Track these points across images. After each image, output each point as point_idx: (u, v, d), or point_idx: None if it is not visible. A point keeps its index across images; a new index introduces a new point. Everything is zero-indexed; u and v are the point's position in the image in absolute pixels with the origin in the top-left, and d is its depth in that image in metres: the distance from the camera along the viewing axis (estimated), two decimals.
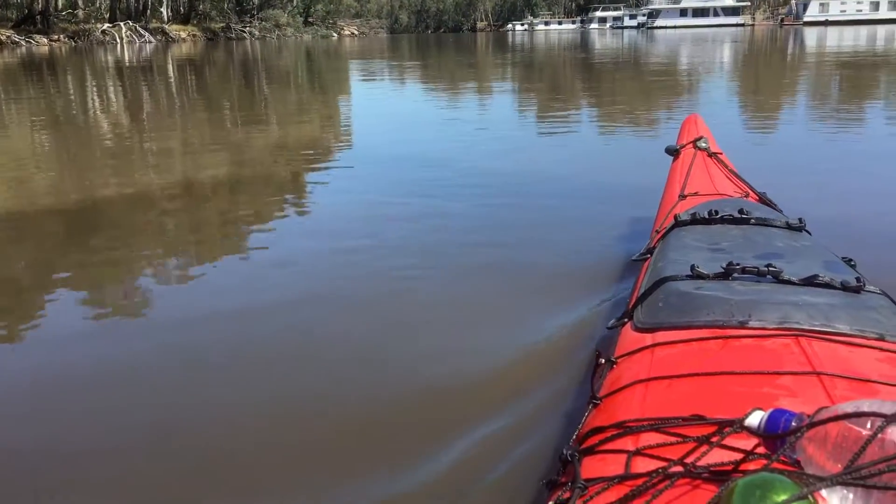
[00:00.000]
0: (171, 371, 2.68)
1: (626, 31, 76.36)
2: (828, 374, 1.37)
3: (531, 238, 4.22)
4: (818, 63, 20.76)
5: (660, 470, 1.13)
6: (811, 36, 44.63)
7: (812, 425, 1.05)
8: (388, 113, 11.45)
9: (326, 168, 6.84)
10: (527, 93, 14.51)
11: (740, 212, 2.38)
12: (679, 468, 1.13)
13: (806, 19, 70.83)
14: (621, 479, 1.16)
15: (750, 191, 2.94)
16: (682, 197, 2.84)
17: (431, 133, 8.91)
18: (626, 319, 1.93)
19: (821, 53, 25.97)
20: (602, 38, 55.39)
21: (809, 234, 2.37)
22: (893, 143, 7.36)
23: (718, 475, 1.10)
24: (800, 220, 2.41)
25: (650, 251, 2.42)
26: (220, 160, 7.26)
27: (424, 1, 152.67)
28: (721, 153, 3.29)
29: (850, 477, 0.92)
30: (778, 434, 1.11)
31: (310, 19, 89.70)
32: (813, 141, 7.62)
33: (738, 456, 1.12)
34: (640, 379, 1.52)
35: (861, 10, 70.58)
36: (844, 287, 1.76)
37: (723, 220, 2.35)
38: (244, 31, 71.23)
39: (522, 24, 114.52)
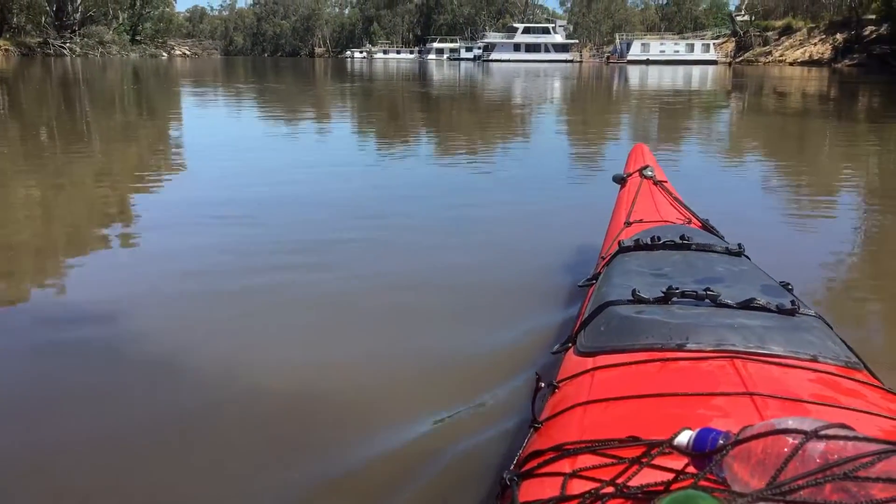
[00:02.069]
0: None
1: (462, 63, 78.24)
2: (760, 395, 1.40)
3: (478, 266, 4.13)
4: (652, 97, 21.87)
5: (592, 491, 1.16)
6: (635, 73, 47.42)
7: (737, 443, 1.06)
8: (233, 143, 10.73)
9: (153, 195, 6.17)
10: (396, 122, 14.19)
11: (682, 238, 2.43)
12: (611, 489, 1.15)
13: (629, 58, 75.46)
14: (556, 501, 1.18)
15: (693, 217, 2.99)
16: (628, 224, 2.89)
17: (300, 170, 8.37)
18: (569, 344, 1.97)
19: (649, 90, 27.48)
20: (442, 70, 56.37)
21: (748, 258, 2.40)
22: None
23: (649, 495, 1.12)
24: (739, 245, 2.45)
25: (595, 277, 2.45)
26: (31, 186, 6.48)
27: (261, 24, 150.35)
28: (666, 181, 3.35)
29: (771, 493, 0.94)
30: (705, 453, 1.12)
31: (137, 38, 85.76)
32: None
33: (670, 476, 1.14)
34: (579, 402, 1.54)
35: (678, 51, 76.18)
36: (780, 310, 1.80)
37: (665, 246, 2.41)
38: (63, 48, 66.81)
39: (361, 52, 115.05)
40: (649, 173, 3.31)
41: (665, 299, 1.89)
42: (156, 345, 2.98)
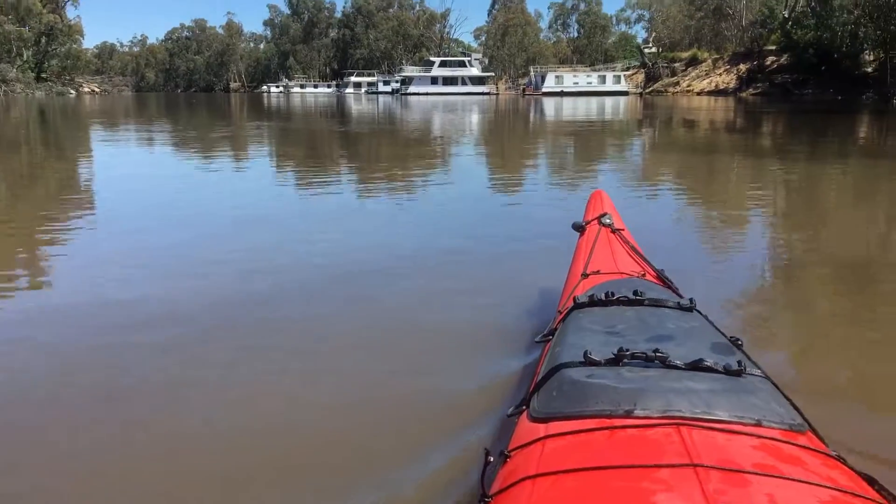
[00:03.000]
0: None
1: (381, 97, 78.45)
2: (704, 466, 1.43)
3: (429, 319, 3.97)
4: (572, 129, 22.18)
5: None
6: (551, 105, 48.30)
7: None
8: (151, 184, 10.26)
9: (56, 244, 5.75)
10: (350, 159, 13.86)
11: (635, 293, 2.46)
12: None
13: (544, 90, 77.02)
14: None
15: (648, 268, 3.00)
16: (585, 275, 2.90)
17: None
18: (523, 407, 1.96)
19: (569, 121, 27.93)
20: (361, 103, 56.38)
21: (700, 313, 2.40)
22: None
23: None
24: (690, 300, 2.47)
25: (552, 332, 2.45)
26: None
27: (173, 59, 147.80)
28: (623, 229, 3.35)
29: None
30: None
31: (43, 75, 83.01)
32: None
33: None
34: (529, 475, 1.56)
35: (591, 83, 78.22)
36: (727, 371, 1.82)
37: (619, 302, 2.43)
38: None
39: (278, 87, 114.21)
40: (607, 221, 3.32)
41: (616, 361, 1.91)
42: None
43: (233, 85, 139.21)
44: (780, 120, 26.96)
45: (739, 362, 1.86)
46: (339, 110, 41.40)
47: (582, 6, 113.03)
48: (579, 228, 3.46)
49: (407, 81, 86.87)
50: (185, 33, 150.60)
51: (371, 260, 5.29)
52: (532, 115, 35.64)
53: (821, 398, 2.88)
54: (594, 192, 3.73)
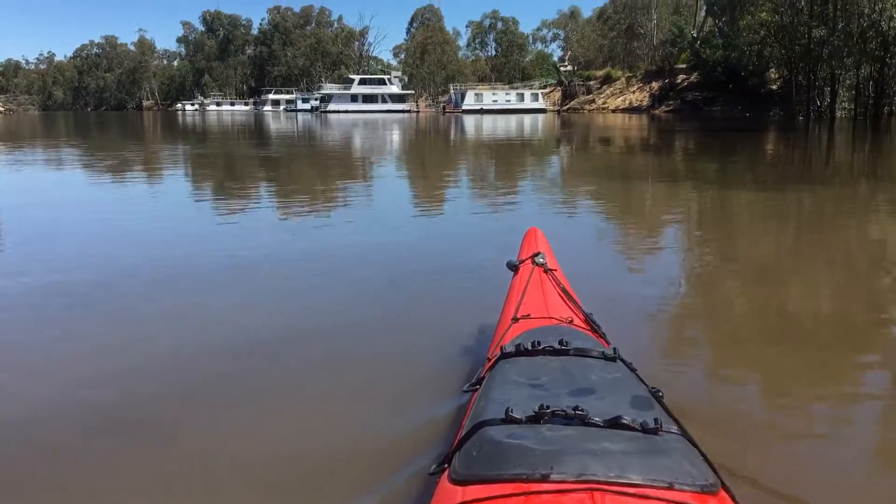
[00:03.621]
0: None
1: (300, 115, 77.63)
2: None
3: (352, 363, 3.76)
4: (493, 146, 22.27)
5: None
6: (470, 123, 48.65)
7: None
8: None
9: None
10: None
11: (561, 342, 2.47)
12: None
13: (464, 107, 77.58)
14: None
15: (577, 312, 3.00)
16: (515, 320, 2.89)
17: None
18: (445, 465, 1.96)
19: (488, 139, 28.07)
20: (279, 121, 55.64)
21: (623, 361, 2.42)
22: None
23: None
24: (614, 349, 2.49)
25: (480, 380, 2.44)
26: None
27: (82, 77, 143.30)
28: (556, 269, 3.33)
29: None
30: None
31: None
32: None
33: None
34: None
35: (510, 101, 79.14)
36: (643, 429, 1.85)
37: (545, 352, 2.45)
38: None
39: (193, 104, 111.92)
40: (541, 261, 3.31)
41: (537, 419, 1.92)
42: None
43: (146, 103, 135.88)
44: (695, 138, 27.73)
45: (656, 419, 1.90)
46: (256, 129, 40.66)
47: (499, 25, 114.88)
48: (513, 268, 3.42)
49: (326, 99, 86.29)
50: (95, 50, 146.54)
51: (287, 307, 4.97)
52: (454, 133, 35.74)
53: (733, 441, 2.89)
54: (529, 230, 3.69)
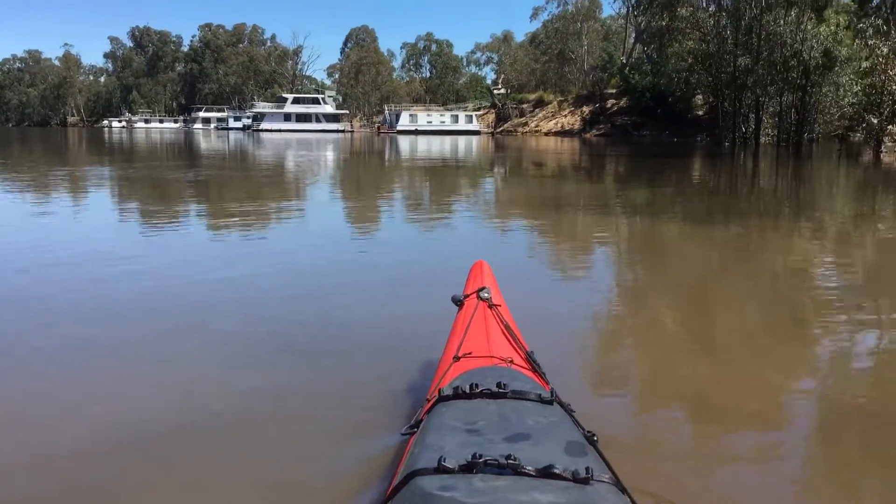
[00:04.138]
0: None
1: (231, 133, 76.45)
2: None
3: (279, 405, 3.56)
4: (429, 168, 22.17)
5: None
6: (405, 144, 48.60)
7: None
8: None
9: None
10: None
11: (499, 385, 2.48)
12: None
13: (399, 128, 77.55)
14: None
15: (519, 351, 2.98)
16: (457, 358, 2.86)
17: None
18: None
19: (424, 161, 28.01)
20: (210, 140, 54.65)
21: (561, 404, 2.44)
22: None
23: None
24: (552, 392, 2.51)
25: (419, 423, 2.44)
26: None
27: (4, 92, 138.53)
28: (500, 305, 3.29)
29: None
30: None
31: None
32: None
33: None
34: None
35: (444, 122, 79.48)
36: (575, 478, 1.87)
37: (482, 395, 2.45)
38: None
39: (120, 121, 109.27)
40: (486, 295, 3.28)
41: (469, 468, 1.93)
42: None
43: (71, 119, 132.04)
44: (628, 164, 28.22)
45: (588, 468, 1.92)
46: (185, 148, 39.78)
47: (433, 47, 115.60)
48: (458, 302, 3.37)
49: (259, 118, 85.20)
50: (18, 65, 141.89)
51: (211, 348, 4.67)
52: (389, 154, 35.59)
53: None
54: (475, 264, 3.65)
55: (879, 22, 31.25)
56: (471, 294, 3.37)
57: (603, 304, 5.82)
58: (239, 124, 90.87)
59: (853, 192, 16.62)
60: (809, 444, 3.28)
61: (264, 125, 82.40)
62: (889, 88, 27.01)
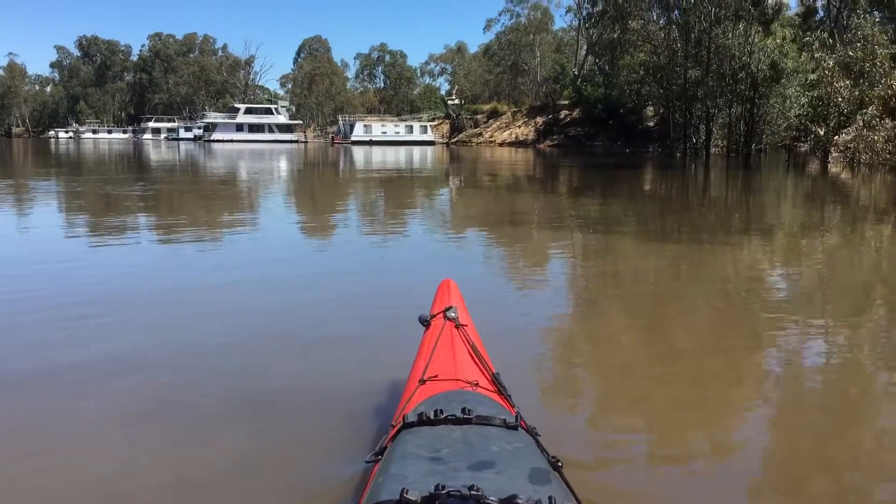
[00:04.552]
0: None
1: (182, 144, 75.29)
2: None
3: (238, 433, 3.41)
4: (384, 179, 21.99)
5: None
6: (360, 154, 48.31)
7: None
8: None
9: None
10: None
11: (464, 411, 2.45)
12: None
13: (353, 138, 77.17)
14: None
15: (485, 373, 2.95)
16: (422, 382, 2.83)
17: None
18: None
19: (379, 171, 27.80)
20: (160, 151, 53.71)
21: (526, 428, 2.44)
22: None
23: None
24: (517, 416, 2.49)
25: (383, 450, 2.40)
26: None
27: None
28: (467, 325, 3.26)
29: None
30: None
31: None
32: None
33: None
34: None
35: (399, 132, 79.36)
36: None
37: (447, 421, 2.42)
38: None
39: (67, 132, 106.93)
40: (452, 315, 3.23)
41: (432, 500, 1.92)
42: None
43: (15, 130, 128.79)
44: (585, 175, 28.41)
45: (551, 498, 1.92)
46: (134, 159, 38.96)
47: (387, 58, 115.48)
48: (425, 322, 3.30)
49: (210, 128, 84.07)
50: None
51: (176, 362, 4.51)
52: (345, 165, 35.27)
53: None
54: (442, 282, 3.58)
55: (825, 35, 32.01)
56: (437, 314, 3.31)
57: (564, 321, 5.79)
58: (190, 135, 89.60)
59: (804, 202, 16.89)
60: (765, 455, 3.34)
61: (216, 135, 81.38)
62: (835, 100, 27.61)
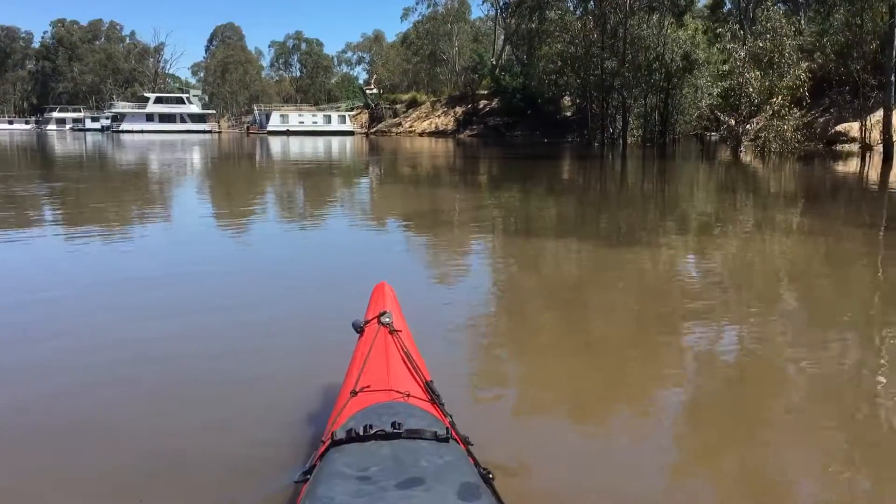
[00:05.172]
0: None
1: (89, 135, 72.45)
2: None
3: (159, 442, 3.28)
4: (304, 171, 21.44)
5: None
6: (277, 145, 47.32)
7: None
8: None
9: None
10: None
11: (393, 425, 2.42)
12: None
13: (270, 128, 75.56)
14: None
15: (418, 381, 2.89)
16: (354, 393, 2.77)
17: None
18: None
19: (297, 163, 27.18)
20: (66, 142, 51.43)
21: (458, 439, 2.44)
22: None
23: None
24: (447, 428, 2.46)
25: (312, 469, 2.36)
26: None
27: None
28: (402, 330, 3.18)
29: None
30: None
31: None
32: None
33: None
34: None
35: (316, 122, 78.07)
36: None
37: (376, 437, 2.39)
38: None
39: None
40: (387, 320, 3.15)
41: None
42: None
43: None
44: (505, 166, 28.43)
45: None
46: (38, 151, 37.14)
47: (303, 46, 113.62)
48: (359, 329, 3.22)
49: (119, 118, 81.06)
50: None
51: (86, 373, 4.16)
52: (262, 157, 34.44)
53: None
54: (377, 286, 3.48)
55: (737, 27, 32.83)
56: (372, 319, 3.23)
57: (494, 320, 5.72)
58: (97, 125, 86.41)
59: (721, 191, 17.21)
60: (681, 437, 3.52)
61: (125, 126, 78.53)
62: (747, 90, 28.33)
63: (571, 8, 43.55)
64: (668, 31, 36.69)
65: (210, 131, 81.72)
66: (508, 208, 12.98)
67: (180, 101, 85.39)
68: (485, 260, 8.29)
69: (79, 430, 3.40)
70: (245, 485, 2.99)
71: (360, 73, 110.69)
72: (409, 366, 3.04)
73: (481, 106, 69.35)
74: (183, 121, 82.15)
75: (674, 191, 17.26)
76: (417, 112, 76.44)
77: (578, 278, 7.25)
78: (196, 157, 31.62)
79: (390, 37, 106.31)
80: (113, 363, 4.25)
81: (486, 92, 69.43)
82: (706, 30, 38.77)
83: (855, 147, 30.97)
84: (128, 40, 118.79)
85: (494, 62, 71.39)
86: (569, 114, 58.02)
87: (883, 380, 4.20)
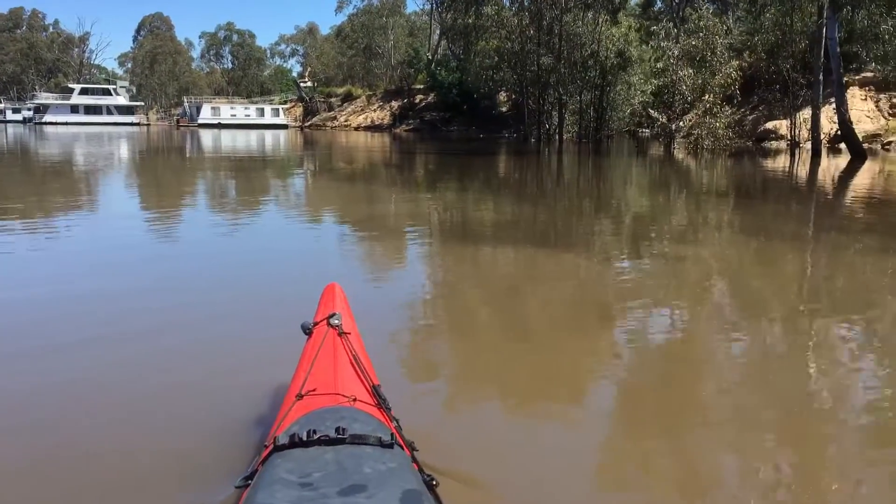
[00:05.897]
0: None
1: (9, 127, 69.74)
2: None
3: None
4: (239, 167, 20.96)
5: None
6: (208, 138, 46.32)
7: None
8: None
9: None
10: None
11: (338, 430, 2.41)
12: None
13: (200, 121, 73.99)
14: None
15: (366, 385, 2.87)
16: (300, 397, 2.75)
17: None
18: None
19: (230, 158, 26.59)
20: None
21: (403, 444, 2.43)
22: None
23: None
24: (392, 434, 2.45)
25: (253, 474, 2.33)
26: None
27: None
28: (350, 332, 3.14)
29: None
30: None
31: None
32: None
33: None
34: None
35: (249, 115, 76.86)
36: None
37: (319, 442, 2.38)
38: None
39: None
40: (336, 322, 3.11)
41: None
42: None
43: None
44: (443, 162, 28.38)
45: None
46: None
47: (235, 38, 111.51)
48: (307, 331, 3.18)
49: (42, 109, 78.22)
50: None
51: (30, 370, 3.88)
52: (192, 150, 33.58)
53: None
54: (328, 287, 3.44)
55: (671, 25, 33.37)
56: (321, 321, 3.19)
57: (441, 320, 5.62)
58: (18, 117, 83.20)
59: (655, 187, 17.45)
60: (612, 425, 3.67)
61: (48, 118, 75.87)
62: (680, 88, 28.82)
63: (507, 4, 43.62)
64: (603, 28, 37.11)
65: (138, 123, 79.70)
66: (448, 206, 12.88)
67: (107, 92, 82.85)
68: (426, 258, 8.15)
69: None
70: (185, 490, 2.91)
71: (294, 66, 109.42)
72: (357, 369, 3.02)
73: (417, 101, 69.15)
74: (109, 113, 79.84)
75: (609, 187, 17.42)
76: (353, 106, 75.83)
77: (522, 276, 7.21)
78: (123, 151, 30.65)
79: (325, 29, 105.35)
80: (45, 369, 3.98)
81: (422, 87, 69.26)
82: (639, 28, 39.38)
83: (783, 144, 31.87)
84: (51, 29, 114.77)
85: (430, 57, 71.22)
86: (505, 109, 58.32)
87: (812, 365, 4.44)
